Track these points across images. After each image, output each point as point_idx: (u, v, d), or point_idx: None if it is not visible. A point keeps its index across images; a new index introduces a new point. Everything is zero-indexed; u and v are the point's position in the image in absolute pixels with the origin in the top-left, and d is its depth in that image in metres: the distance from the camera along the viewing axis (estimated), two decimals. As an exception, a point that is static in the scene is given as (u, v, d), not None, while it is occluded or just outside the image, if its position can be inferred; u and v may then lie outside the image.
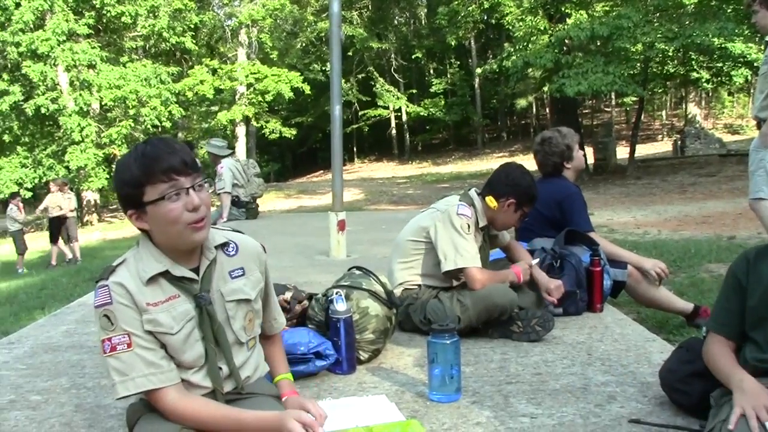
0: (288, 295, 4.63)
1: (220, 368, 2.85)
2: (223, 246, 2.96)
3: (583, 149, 6.55)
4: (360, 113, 60.39)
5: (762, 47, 27.87)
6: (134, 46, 40.31)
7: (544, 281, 5.27)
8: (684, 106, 52.17)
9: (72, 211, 21.16)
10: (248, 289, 2.96)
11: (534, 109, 63.81)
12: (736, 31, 25.68)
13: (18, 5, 32.95)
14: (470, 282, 4.90)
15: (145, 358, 2.67)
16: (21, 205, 22.29)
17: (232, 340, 2.89)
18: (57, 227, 21.00)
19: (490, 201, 5.12)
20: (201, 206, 2.71)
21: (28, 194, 34.36)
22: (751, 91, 48.66)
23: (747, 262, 3.04)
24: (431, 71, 66.08)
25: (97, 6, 35.17)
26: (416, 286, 5.20)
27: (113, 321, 2.66)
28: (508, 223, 5.29)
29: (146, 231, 2.80)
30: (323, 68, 53.58)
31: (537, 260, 5.45)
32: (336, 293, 4.31)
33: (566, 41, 29.16)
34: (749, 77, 33.62)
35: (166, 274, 2.76)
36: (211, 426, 2.71)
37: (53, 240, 21.01)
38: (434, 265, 5.09)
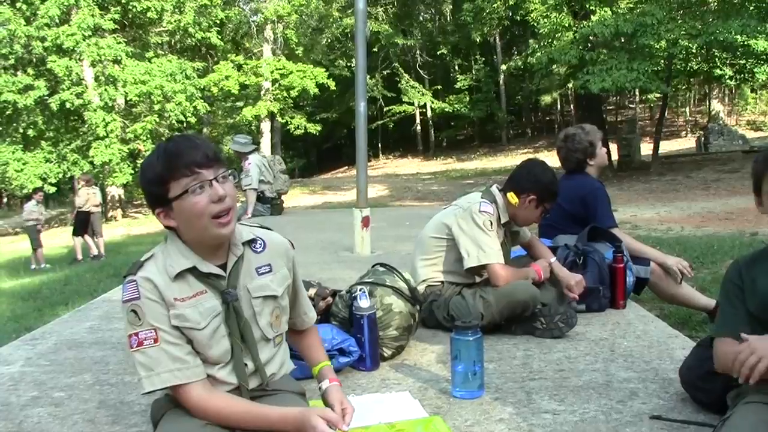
0: (312, 291, 4.64)
1: (246, 364, 2.86)
2: (251, 242, 2.97)
3: (606, 146, 6.55)
4: (385, 109, 60.20)
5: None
6: (160, 42, 40.30)
7: (565, 277, 5.28)
8: (707, 102, 51.88)
9: (97, 206, 21.13)
10: (275, 285, 2.97)
11: (558, 106, 63.64)
12: (759, 28, 25.58)
13: (44, 0, 33.02)
14: (493, 278, 4.91)
15: (171, 354, 2.69)
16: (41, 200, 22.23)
17: (258, 337, 2.90)
18: (84, 222, 21.02)
19: (512, 197, 5.14)
20: (226, 197, 2.72)
21: (52, 189, 34.34)
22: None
23: (740, 271, 3.02)
24: (456, 67, 65.84)
25: (123, 1, 35.18)
26: (439, 283, 5.22)
27: (140, 316, 2.69)
28: (530, 219, 5.29)
29: (174, 229, 2.82)
30: (348, 64, 53.49)
31: (553, 259, 5.47)
32: (360, 290, 4.34)
33: (591, 38, 29.08)
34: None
35: (193, 270, 2.78)
36: (235, 422, 2.74)
37: (79, 233, 21.01)
38: (456, 261, 5.11)
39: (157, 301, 2.71)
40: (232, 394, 2.81)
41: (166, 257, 2.80)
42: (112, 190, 36.27)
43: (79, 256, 20.62)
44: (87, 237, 20.93)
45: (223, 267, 2.85)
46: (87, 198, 21.04)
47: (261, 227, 3.14)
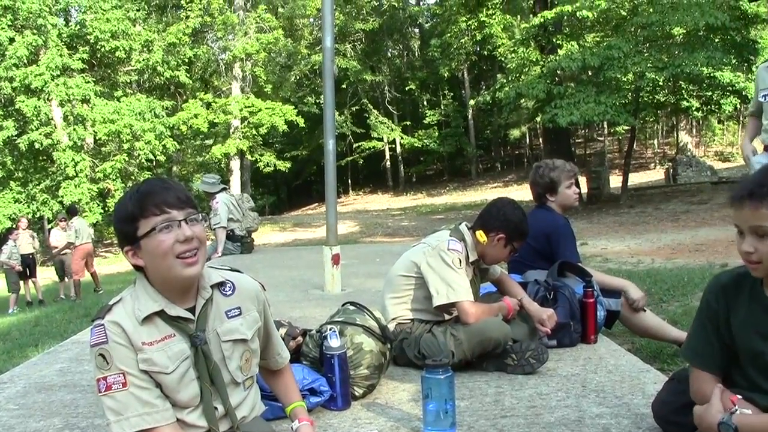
0: (282, 331, 4.62)
1: (216, 408, 2.85)
2: (220, 285, 2.97)
3: (575, 180, 6.55)
4: (354, 145, 60.48)
5: (750, 76, 28.15)
6: (128, 80, 40.45)
7: (536, 312, 5.28)
8: (675, 134, 52.29)
9: (68, 247, 20.99)
10: (244, 329, 2.97)
11: (528, 139, 64.03)
12: (724, 60, 25.91)
13: (12, 40, 33.12)
14: (463, 316, 4.90)
15: (140, 398, 2.67)
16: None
17: (228, 380, 2.89)
18: (61, 265, 20.96)
19: (480, 236, 5.14)
20: (193, 238, 2.73)
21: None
22: (740, 118, 48.88)
23: (717, 295, 3.05)
24: (425, 103, 66.26)
25: (91, 41, 35.37)
26: (409, 321, 5.20)
27: (108, 360, 2.67)
28: (498, 258, 5.29)
29: (142, 270, 2.82)
30: (317, 101, 53.77)
31: (524, 295, 5.47)
32: (330, 329, 4.32)
33: (558, 72, 29.32)
34: (738, 105, 33.92)
35: (161, 314, 2.77)
36: None
37: (63, 276, 20.98)
38: (426, 299, 5.09)
39: (125, 345, 2.69)
40: None
41: (134, 300, 2.79)
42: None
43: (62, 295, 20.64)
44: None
45: (192, 310, 2.84)
46: (62, 242, 21.01)
47: (231, 270, 3.14)
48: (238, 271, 3.16)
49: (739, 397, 2.85)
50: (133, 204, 2.73)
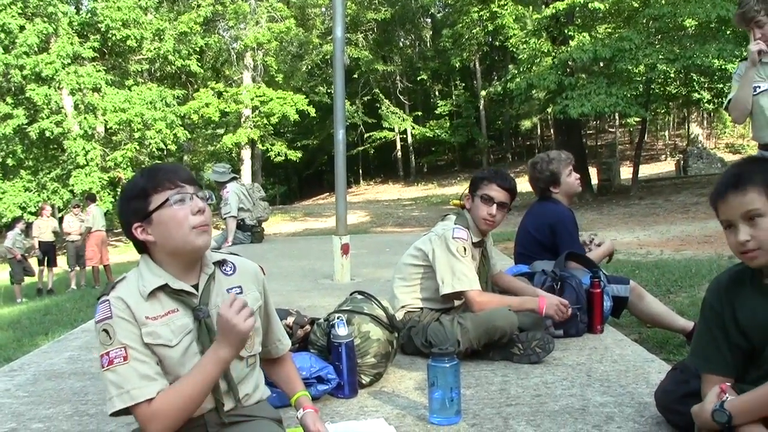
0: (290, 320, 4.65)
1: (219, 382, 2.86)
2: (221, 264, 3.02)
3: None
4: (365, 135, 60.37)
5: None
6: (139, 69, 40.27)
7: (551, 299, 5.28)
8: (686, 126, 52.25)
9: (82, 234, 21.04)
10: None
11: (539, 130, 63.99)
12: (736, 52, 25.74)
13: (22, 28, 33.02)
14: (470, 305, 4.95)
15: (139, 371, 2.69)
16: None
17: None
18: (74, 252, 21.04)
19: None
20: (206, 210, 2.81)
21: (32, 218, 34.31)
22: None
23: (719, 295, 3.04)
24: (436, 93, 66.08)
25: (102, 29, 35.20)
26: (418, 309, 5.24)
27: (111, 335, 2.71)
28: (480, 216, 5.22)
29: (147, 249, 2.87)
30: (328, 90, 53.57)
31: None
32: (338, 318, 4.34)
33: (569, 63, 29.27)
34: (749, 98, 33.71)
35: (165, 288, 2.81)
36: (188, 402, 2.75)
37: (77, 264, 21.07)
38: (434, 287, 5.13)
39: (128, 320, 2.73)
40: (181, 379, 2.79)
41: (138, 278, 2.84)
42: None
43: (74, 285, 20.66)
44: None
45: (195, 287, 2.89)
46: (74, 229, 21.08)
47: (231, 254, 3.18)
48: (237, 255, 3.20)
49: (728, 384, 2.87)
50: (146, 180, 2.81)
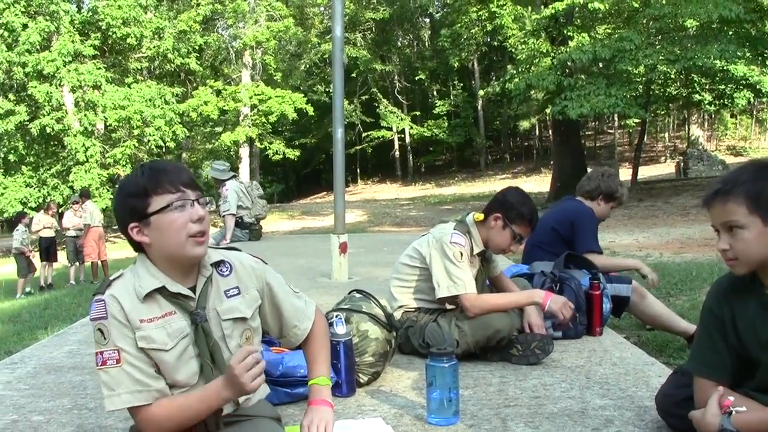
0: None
1: None
2: (218, 265, 2.98)
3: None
4: (363, 134, 60.53)
5: (765, 70, 28.06)
6: (139, 67, 40.44)
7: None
8: (687, 128, 52.27)
9: (81, 229, 21.10)
10: (244, 307, 2.96)
11: (537, 131, 64.03)
12: (738, 53, 25.75)
13: (25, 26, 33.15)
14: (465, 309, 4.90)
15: (132, 375, 2.69)
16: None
17: (227, 358, 2.86)
18: (73, 247, 21.12)
19: (477, 216, 5.13)
20: (204, 219, 2.77)
21: (32, 213, 34.39)
22: (753, 113, 48.78)
23: (719, 300, 3.03)
24: (434, 93, 66.27)
25: (103, 28, 35.35)
26: (415, 309, 5.22)
27: (106, 336, 2.70)
28: (500, 243, 5.14)
29: (144, 250, 2.84)
30: (327, 89, 53.84)
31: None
32: (336, 316, 4.33)
33: (568, 63, 29.26)
34: (751, 99, 33.70)
35: (162, 291, 2.79)
36: (185, 421, 2.77)
37: (76, 260, 21.17)
38: (430, 289, 5.09)
39: (122, 322, 2.71)
40: (182, 395, 2.81)
41: (135, 277, 2.81)
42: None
43: (72, 281, 20.75)
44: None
45: (193, 289, 2.86)
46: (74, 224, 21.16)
47: (229, 248, 3.15)
48: (238, 250, 3.16)
49: (732, 398, 2.85)
50: (147, 180, 2.74)
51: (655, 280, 6.25)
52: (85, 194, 22.72)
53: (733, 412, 2.76)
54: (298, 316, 3.23)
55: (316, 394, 3.16)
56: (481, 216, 5.12)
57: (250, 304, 3.00)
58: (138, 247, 2.85)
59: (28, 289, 19.61)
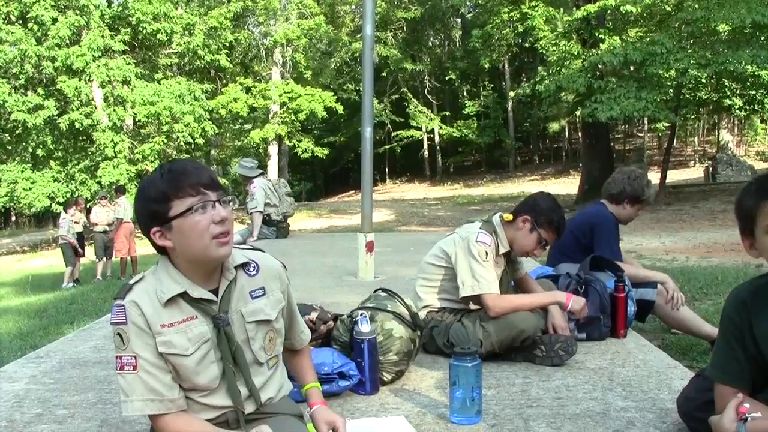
0: (314, 315, 4.67)
1: (239, 390, 2.86)
2: (244, 266, 2.97)
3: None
4: (393, 134, 60.51)
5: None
6: (169, 63, 40.54)
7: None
8: (716, 132, 52.01)
9: (110, 225, 21.21)
10: (269, 309, 2.96)
11: (566, 133, 63.82)
12: (770, 58, 25.58)
13: (55, 21, 33.20)
14: (487, 309, 4.91)
15: (147, 383, 2.71)
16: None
17: (250, 360, 2.89)
18: (102, 242, 21.22)
19: (506, 216, 5.15)
20: (227, 219, 2.73)
21: (59, 208, 34.49)
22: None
23: (738, 308, 3.01)
24: (465, 93, 66.05)
25: (133, 23, 35.39)
26: (440, 309, 5.24)
27: (125, 341, 2.71)
28: (525, 246, 5.16)
29: (166, 252, 2.83)
30: (357, 88, 53.71)
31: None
32: (361, 315, 4.36)
33: (599, 66, 29.12)
34: (783, 105, 33.47)
35: (184, 296, 2.78)
36: None
37: (104, 255, 21.24)
38: (456, 288, 5.09)
39: (142, 328, 2.71)
40: (198, 420, 2.83)
41: (157, 282, 2.80)
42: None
43: (99, 276, 20.82)
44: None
45: (215, 292, 2.85)
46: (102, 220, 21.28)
47: (254, 249, 3.15)
48: (261, 251, 3.15)
49: (748, 405, 2.84)
50: (166, 183, 2.70)
51: (680, 300, 6.16)
52: (120, 189, 22.88)
53: (749, 419, 2.76)
54: (303, 324, 3.36)
55: (316, 398, 3.21)
56: (510, 216, 5.13)
57: (275, 306, 3.01)
58: (161, 249, 2.84)
59: (65, 285, 19.61)
